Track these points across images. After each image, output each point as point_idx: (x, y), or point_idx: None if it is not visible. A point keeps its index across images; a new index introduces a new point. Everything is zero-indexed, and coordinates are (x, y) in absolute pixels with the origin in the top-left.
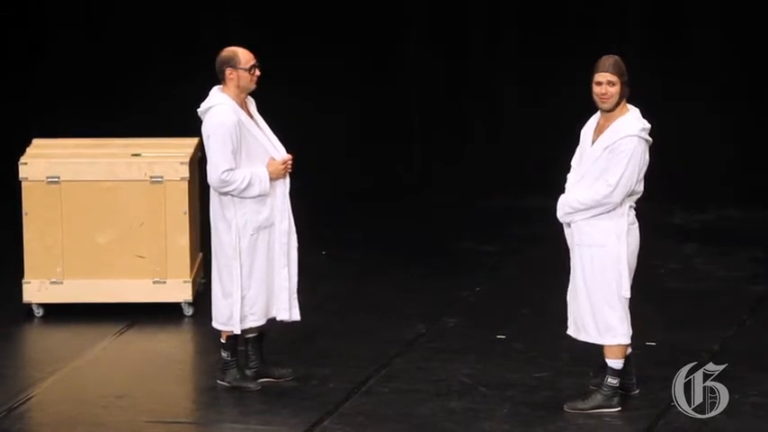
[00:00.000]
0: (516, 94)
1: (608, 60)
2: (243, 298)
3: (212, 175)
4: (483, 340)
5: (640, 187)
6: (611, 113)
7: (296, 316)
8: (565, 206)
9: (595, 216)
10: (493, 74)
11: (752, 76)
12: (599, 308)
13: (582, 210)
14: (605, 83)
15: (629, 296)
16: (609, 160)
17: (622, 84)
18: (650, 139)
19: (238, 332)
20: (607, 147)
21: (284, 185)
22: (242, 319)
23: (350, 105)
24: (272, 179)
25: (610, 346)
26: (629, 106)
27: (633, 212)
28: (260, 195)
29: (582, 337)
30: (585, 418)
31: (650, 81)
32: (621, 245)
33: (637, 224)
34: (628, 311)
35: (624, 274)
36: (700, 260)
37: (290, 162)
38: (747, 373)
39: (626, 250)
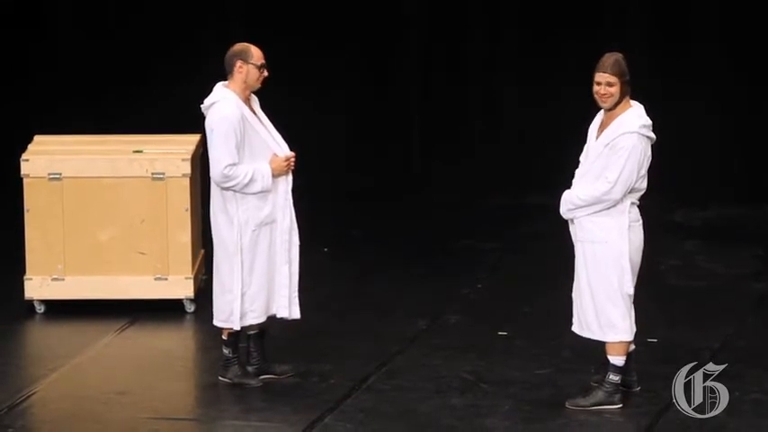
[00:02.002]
0: (516, 94)
1: (608, 60)
2: (243, 295)
3: (215, 170)
4: (484, 337)
5: (643, 184)
6: (614, 111)
7: (296, 314)
8: (567, 203)
9: (596, 213)
10: (493, 74)
11: (752, 76)
12: (601, 305)
13: (583, 206)
14: (604, 83)
15: (631, 293)
16: (609, 157)
17: (622, 83)
18: (653, 135)
19: (238, 328)
20: (607, 144)
21: (286, 182)
22: (242, 316)
23: (350, 105)
24: (274, 176)
25: (612, 343)
26: (633, 103)
27: (636, 210)
28: (262, 191)
29: (585, 334)
30: (587, 414)
31: (650, 81)
32: (623, 241)
33: (640, 221)
34: (631, 308)
35: (626, 270)
36: (701, 258)
37: (292, 159)
38: (748, 371)
39: (627, 247)
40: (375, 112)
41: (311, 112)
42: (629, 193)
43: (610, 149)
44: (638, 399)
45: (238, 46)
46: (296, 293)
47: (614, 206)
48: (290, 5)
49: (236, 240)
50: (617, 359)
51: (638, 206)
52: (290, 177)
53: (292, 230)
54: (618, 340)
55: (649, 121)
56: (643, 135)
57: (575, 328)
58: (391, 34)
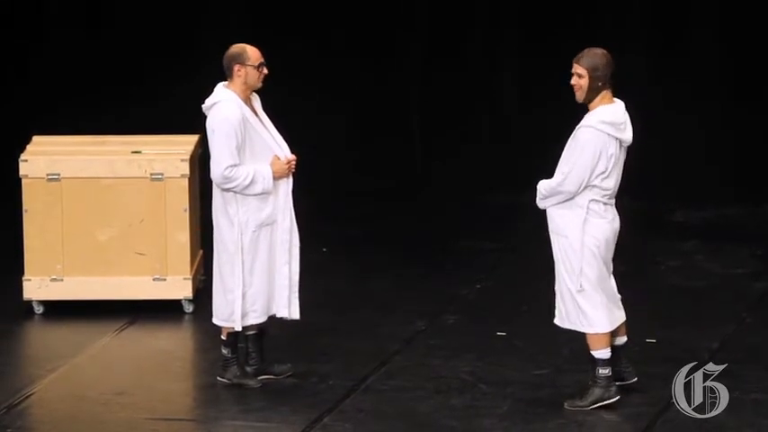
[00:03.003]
0: (516, 94)
1: (585, 52)
2: (244, 295)
3: (215, 171)
4: (483, 337)
5: (606, 183)
6: (591, 104)
7: (295, 314)
8: (537, 192)
9: (560, 205)
10: (493, 74)
11: (752, 76)
12: (575, 296)
13: (547, 197)
14: (575, 74)
15: (588, 287)
16: (572, 150)
17: (592, 78)
18: (621, 135)
19: (239, 329)
20: (572, 136)
21: (287, 184)
22: (243, 316)
23: (350, 105)
24: (275, 178)
25: (590, 335)
26: (616, 100)
27: (603, 206)
28: (263, 193)
29: (566, 326)
30: (586, 414)
31: (650, 81)
32: (579, 236)
33: (608, 219)
34: (608, 299)
35: (580, 266)
36: (700, 257)
37: (293, 162)
38: (748, 371)
39: (583, 242)
40: (375, 112)
41: (312, 112)
42: (589, 188)
43: (574, 142)
44: (637, 399)
45: (234, 48)
46: (296, 293)
47: (572, 199)
48: (291, 5)
49: (236, 241)
50: (600, 353)
51: (610, 204)
52: (291, 179)
53: (292, 231)
54: (593, 332)
55: (617, 119)
56: (601, 131)
57: (556, 321)
58: (391, 34)
